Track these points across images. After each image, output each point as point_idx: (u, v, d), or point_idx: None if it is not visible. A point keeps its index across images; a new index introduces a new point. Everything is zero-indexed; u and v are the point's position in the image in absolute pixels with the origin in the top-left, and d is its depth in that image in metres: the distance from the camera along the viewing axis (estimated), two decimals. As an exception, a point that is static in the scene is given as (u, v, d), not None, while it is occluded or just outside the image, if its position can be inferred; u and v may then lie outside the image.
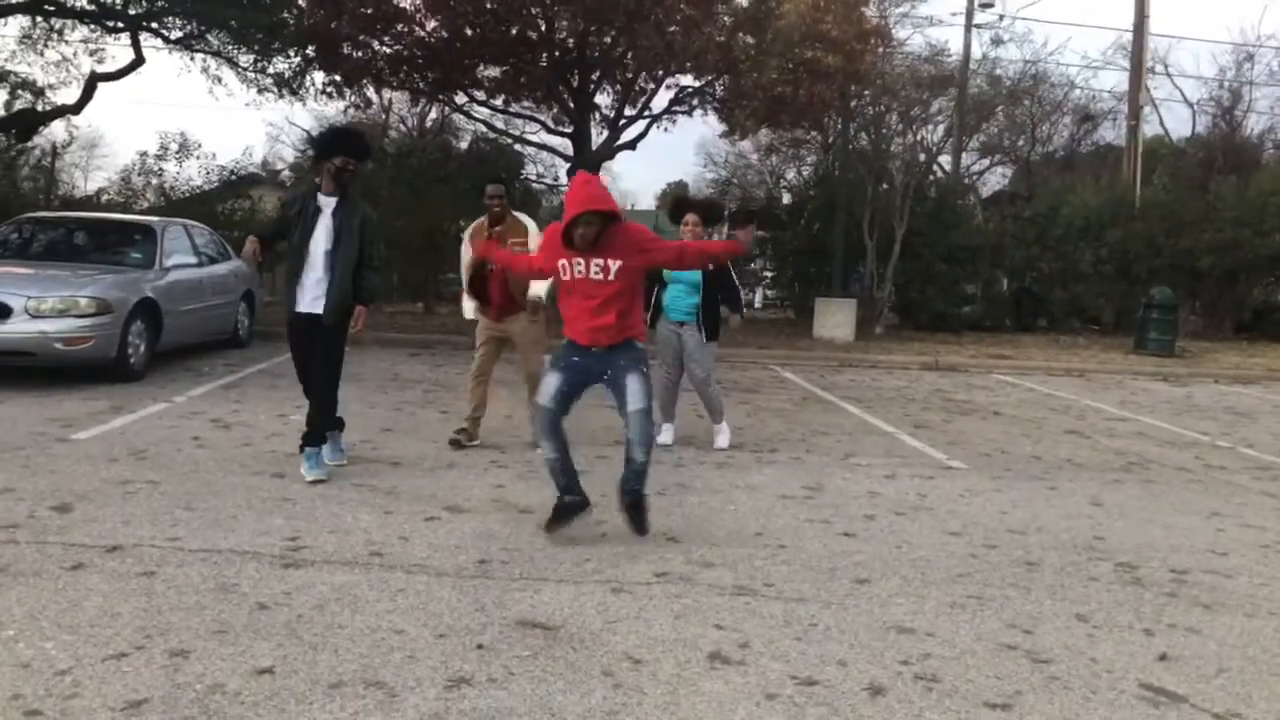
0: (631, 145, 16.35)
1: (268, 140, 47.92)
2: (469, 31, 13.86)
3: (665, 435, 6.62)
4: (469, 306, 6.37)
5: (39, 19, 14.45)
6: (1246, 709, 2.99)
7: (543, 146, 17.98)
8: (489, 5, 13.33)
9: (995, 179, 29.27)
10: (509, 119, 17.79)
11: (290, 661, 2.99)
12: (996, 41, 23.87)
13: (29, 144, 17.03)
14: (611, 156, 16.90)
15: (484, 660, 3.07)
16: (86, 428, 6.26)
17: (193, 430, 6.36)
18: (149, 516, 4.39)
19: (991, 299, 18.17)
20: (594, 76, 15.45)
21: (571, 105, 15.66)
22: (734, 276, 6.84)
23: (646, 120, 16.36)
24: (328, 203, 5.21)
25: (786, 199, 20.79)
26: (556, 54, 14.71)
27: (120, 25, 14.39)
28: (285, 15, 13.80)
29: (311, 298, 5.23)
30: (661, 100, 16.15)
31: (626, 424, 4.31)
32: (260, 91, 14.94)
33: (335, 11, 13.29)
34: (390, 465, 5.68)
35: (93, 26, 14.58)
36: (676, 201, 7.62)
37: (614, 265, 4.19)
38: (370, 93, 16.06)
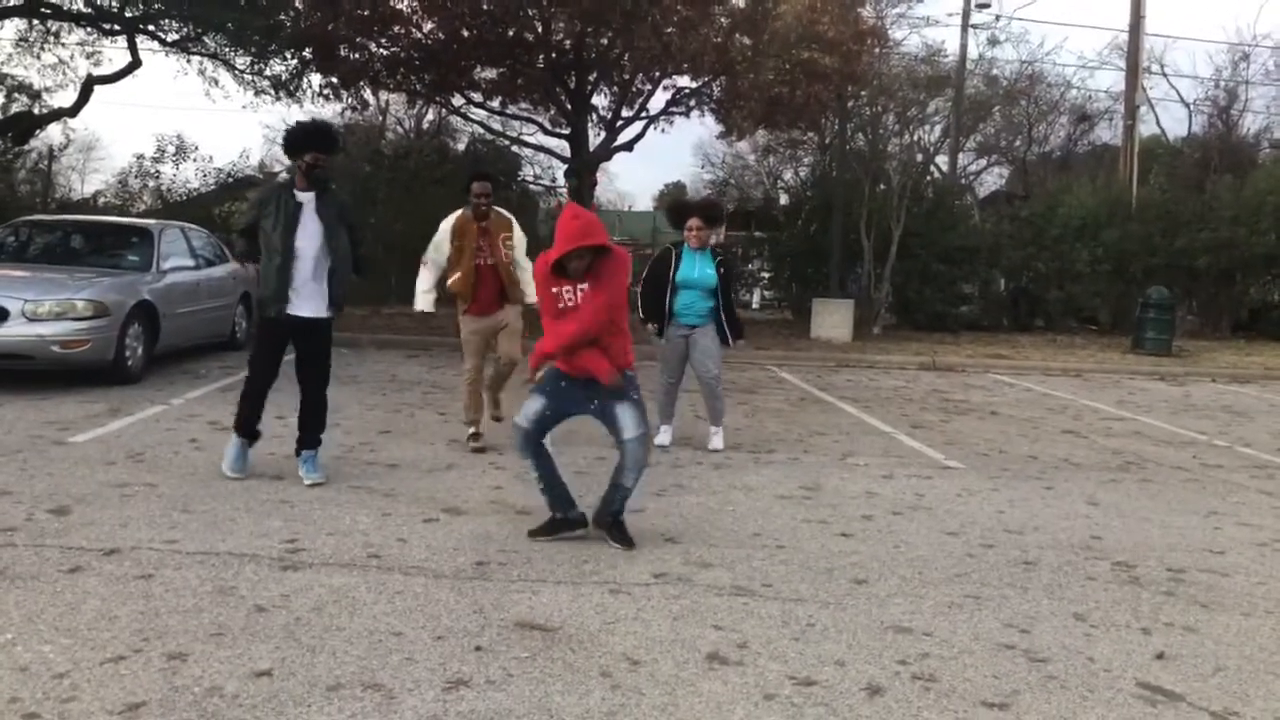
0: (629, 146, 16.35)
1: (265, 143, 47.84)
2: (466, 33, 13.85)
3: (664, 436, 6.61)
4: (428, 300, 6.39)
5: (35, 22, 14.45)
6: (1244, 707, 2.99)
7: (540, 148, 17.99)
8: (485, 7, 13.32)
9: (992, 179, 29.36)
10: (506, 120, 17.78)
11: (288, 664, 2.99)
12: (993, 42, 23.91)
13: (26, 147, 17.03)
14: (609, 158, 16.90)
15: (482, 662, 3.07)
16: (84, 430, 6.25)
17: (190, 433, 6.36)
18: (146, 519, 4.39)
19: (988, 299, 18.19)
20: (591, 78, 15.45)
21: (568, 107, 15.66)
22: (731, 293, 6.77)
23: (644, 121, 16.36)
24: (306, 199, 5.15)
25: (784, 200, 20.81)
26: (553, 55, 14.71)
27: (116, 28, 14.38)
28: (282, 18, 13.80)
29: (307, 300, 5.18)
30: (658, 101, 16.16)
31: (622, 452, 4.30)
32: (257, 94, 14.94)
33: (332, 14, 13.28)
34: (388, 467, 5.68)
35: (89, 29, 14.58)
36: (676, 206, 7.58)
37: (600, 298, 4.15)
38: (367, 95, 16.04)
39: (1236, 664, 3.32)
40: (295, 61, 14.56)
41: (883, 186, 16.96)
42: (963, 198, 21.34)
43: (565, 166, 16.52)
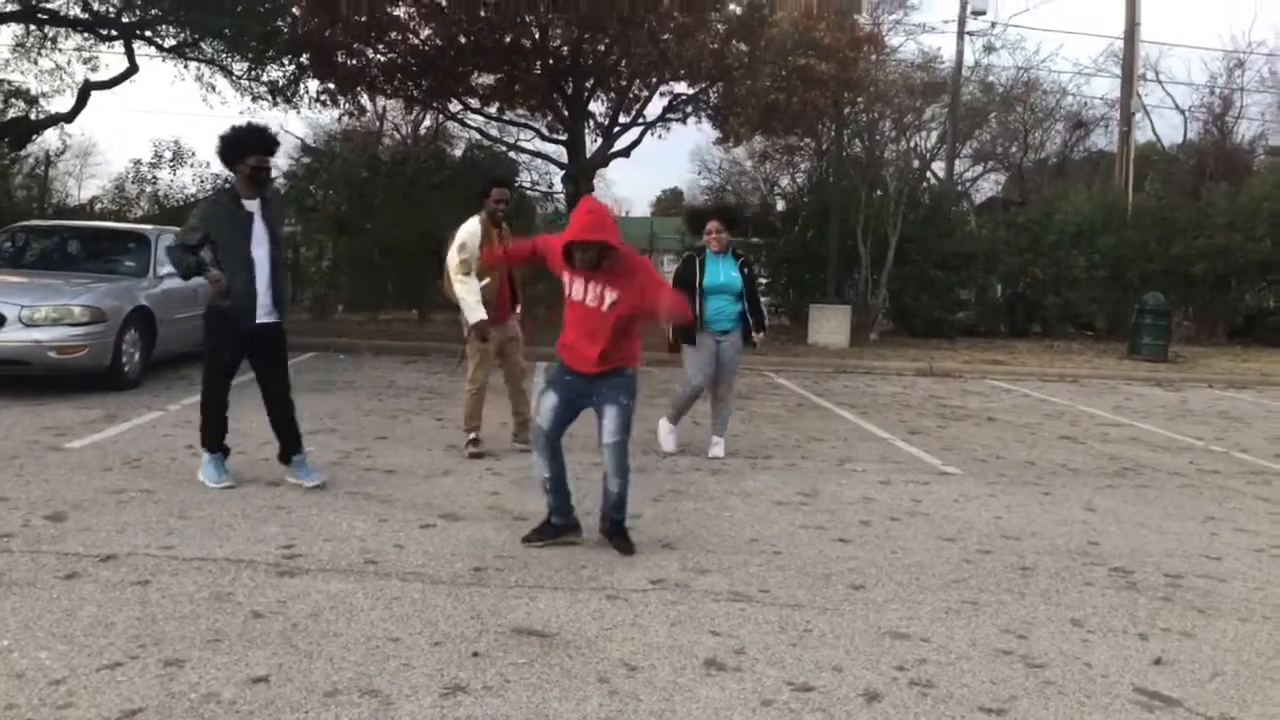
0: (626, 153, 16.37)
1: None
2: (463, 39, 13.88)
3: (669, 442, 6.60)
4: (481, 309, 6.05)
5: (32, 27, 14.43)
6: (1241, 713, 2.99)
7: (537, 154, 18.00)
8: (483, 13, 13.34)
9: (988, 185, 29.41)
10: (503, 126, 17.78)
11: (285, 670, 2.98)
12: (989, 48, 23.98)
13: (22, 152, 17.01)
14: (606, 164, 16.91)
15: (480, 668, 3.06)
16: (80, 436, 6.24)
17: (187, 439, 6.34)
18: (143, 525, 4.38)
19: (985, 305, 18.23)
20: (588, 84, 15.47)
21: (566, 113, 15.69)
22: (757, 294, 6.80)
23: (641, 127, 16.38)
24: (253, 206, 5.09)
25: (780, 206, 20.83)
26: (550, 62, 14.74)
27: (114, 34, 14.37)
28: (279, 23, 13.80)
29: (263, 306, 5.13)
30: (655, 107, 16.19)
31: (603, 455, 4.31)
32: (254, 99, 14.92)
33: (329, 20, 13.30)
34: (385, 473, 5.67)
35: (86, 35, 14.55)
36: (694, 212, 7.65)
37: (610, 296, 4.15)
38: (364, 100, 16.08)
39: (1234, 669, 3.32)
40: (292, 67, 14.56)
41: (879, 193, 17.00)
42: (959, 204, 21.40)
43: (562, 172, 16.54)
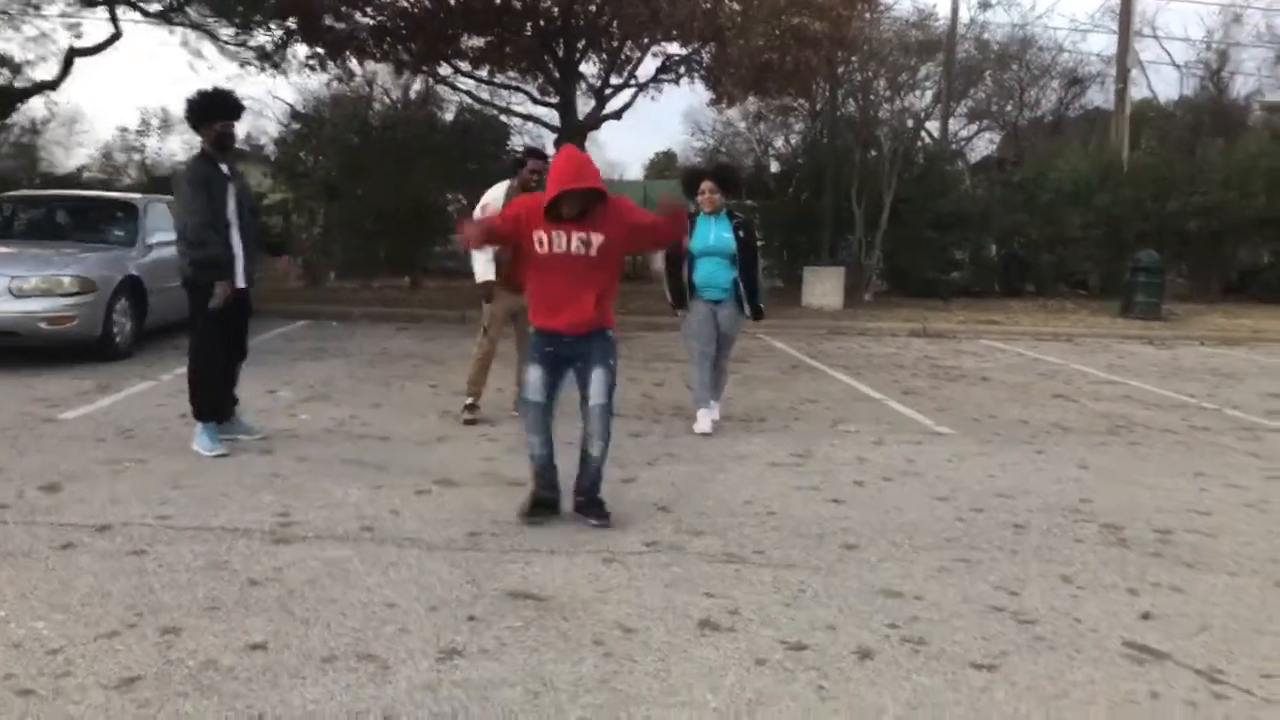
0: (618, 115, 16.22)
1: (250, 115, 47.37)
2: (452, 2, 13.68)
3: (705, 423, 6.15)
4: (491, 269, 6.03)
5: (14, -7, 14.21)
6: (1228, 665, 3.03)
7: (528, 117, 17.81)
8: (471, -26, 13.15)
9: (983, 144, 29.16)
10: (494, 90, 17.56)
11: (282, 636, 3.00)
12: (984, 5, 23.64)
13: (7, 121, 16.82)
14: (598, 126, 16.76)
15: (476, 632, 3.09)
16: (73, 407, 6.23)
17: (180, 408, 6.31)
18: (138, 495, 4.39)
19: (980, 265, 18.19)
20: (579, 45, 15.28)
21: (557, 75, 15.51)
22: (758, 263, 6.34)
23: (633, 89, 16.22)
24: (226, 169, 5.15)
25: (775, 167, 20.70)
26: (541, 23, 14.54)
27: (97, -1, 14.16)
28: (266, -13, 13.59)
29: (242, 270, 5.23)
30: (648, 69, 16.02)
31: (585, 417, 4.18)
32: (242, 65, 14.75)
33: (316, -18, 13.09)
34: (380, 440, 5.68)
35: (69, 1, 14.34)
36: (689, 172, 7.35)
37: (597, 240, 4.00)
38: (353, 65, 15.85)
39: (1222, 623, 3.36)
40: (280, 32, 14.35)
41: (874, 153, 16.87)
42: (954, 163, 21.28)
43: (554, 135, 16.38)
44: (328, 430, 5.85)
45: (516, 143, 18.60)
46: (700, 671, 2.88)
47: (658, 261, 4.22)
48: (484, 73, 16.18)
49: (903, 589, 3.57)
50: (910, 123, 19.25)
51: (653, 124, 44.09)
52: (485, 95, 17.78)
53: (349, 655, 2.89)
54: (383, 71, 19.33)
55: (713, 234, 6.13)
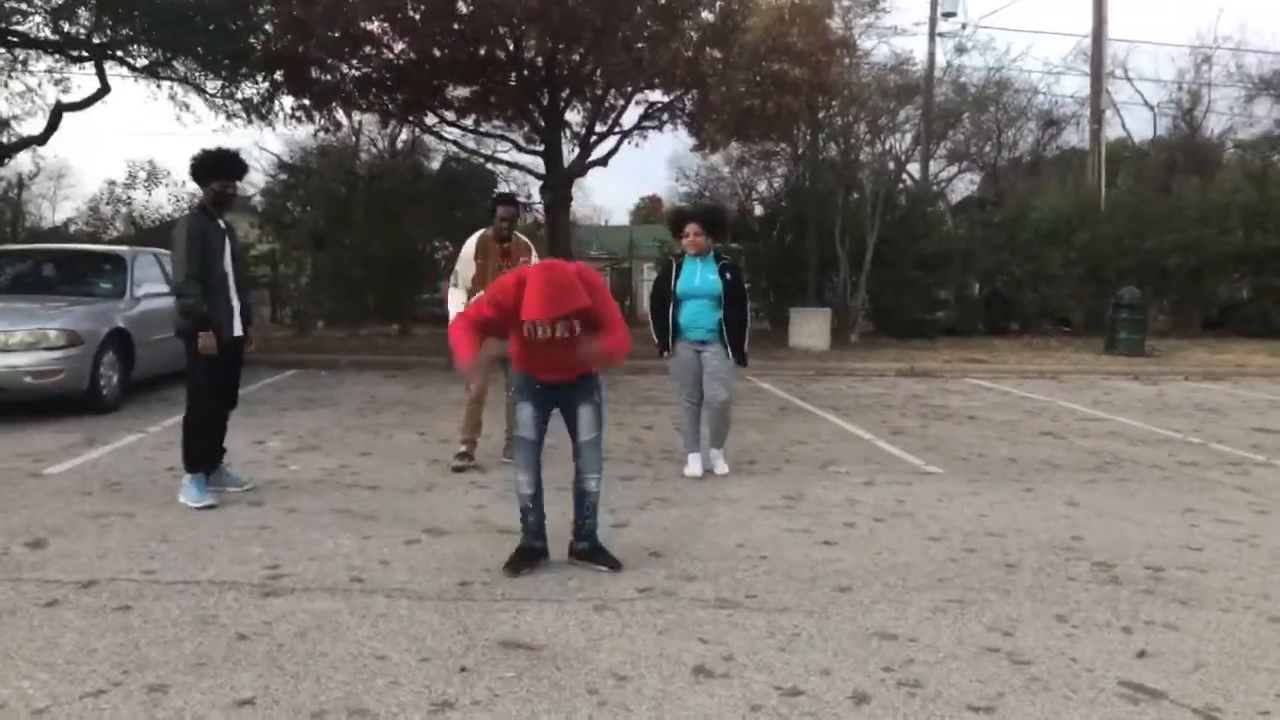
0: (603, 161, 16.41)
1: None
2: (437, 53, 13.87)
3: (694, 466, 6.13)
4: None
5: (2, 50, 14.32)
6: (1225, 703, 3.02)
7: (514, 165, 17.99)
8: (456, 26, 13.34)
9: (964, 185, 29.62)
10: (480, 138, 17.77)
11: (272, 692, 2.96)
12: (960, 50, 24.19)
13: (-6, 176, 16.88)
14: (583, 173, 16.95)
15: (468, 683, 3.05)
16: (59, 461, 6.18)
17: (168, 461, 6.29)
18: (125, 550, 4.34)
19: (964, 304, 18.35)
20: (564, 94, 15.50)
21: (542, 123, 15.70)
22: (746, 297, 6.22)
23: (617, 136, 16.43)
24: (222, 223, 5.36)
25: (759, 211, 20.92)
26: (525, 73, 14.76)
27: (85, 55, 14.29)
28: (252, 41, 13.75)
29: (232, 319, 5.35)
30: (632, 116, 16.24)
31: (577, 454, 4.21)
32: (229, 117, 14.88)
33: (302, 36, 13.26)
34: (369, 489, 5.64)
35: (57, 56, 14.47)
36: (675, 213, 7.32)
37: (576, 323, 4.02)
38: (340, 115, 16.03)
39: (1217, 660, 3.36)
40: (266, 84, 14.51)
41: (856, 195, 17.10)
42: (935, 204, 21.55)
43: (540, 183, 16.55)
44: (316, 480, 5.82)
45: (503, 190, 18.79)
46: (695, 719, 2.85)
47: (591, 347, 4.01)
48: (470, 122, 16.38)
49: (897, 631, 3.55)
50: (891, 165, 19.56)
51: (638, 170, 44.63)
52: (471, 144, 18.00)
53: (339, 710, 2.86)
54: (369, 121, 19.58)
55: (698, 276, 6.09)
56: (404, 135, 21.63)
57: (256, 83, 14.50)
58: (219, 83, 14.43)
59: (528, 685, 3.05)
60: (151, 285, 9.55)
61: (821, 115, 16.79)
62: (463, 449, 6.25)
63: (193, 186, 17.29)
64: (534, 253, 6.29)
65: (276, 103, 14.82)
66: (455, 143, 18.11)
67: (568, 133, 16.39)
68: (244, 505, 5.18)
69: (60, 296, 8.70)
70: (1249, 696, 3.07)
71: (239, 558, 4.26)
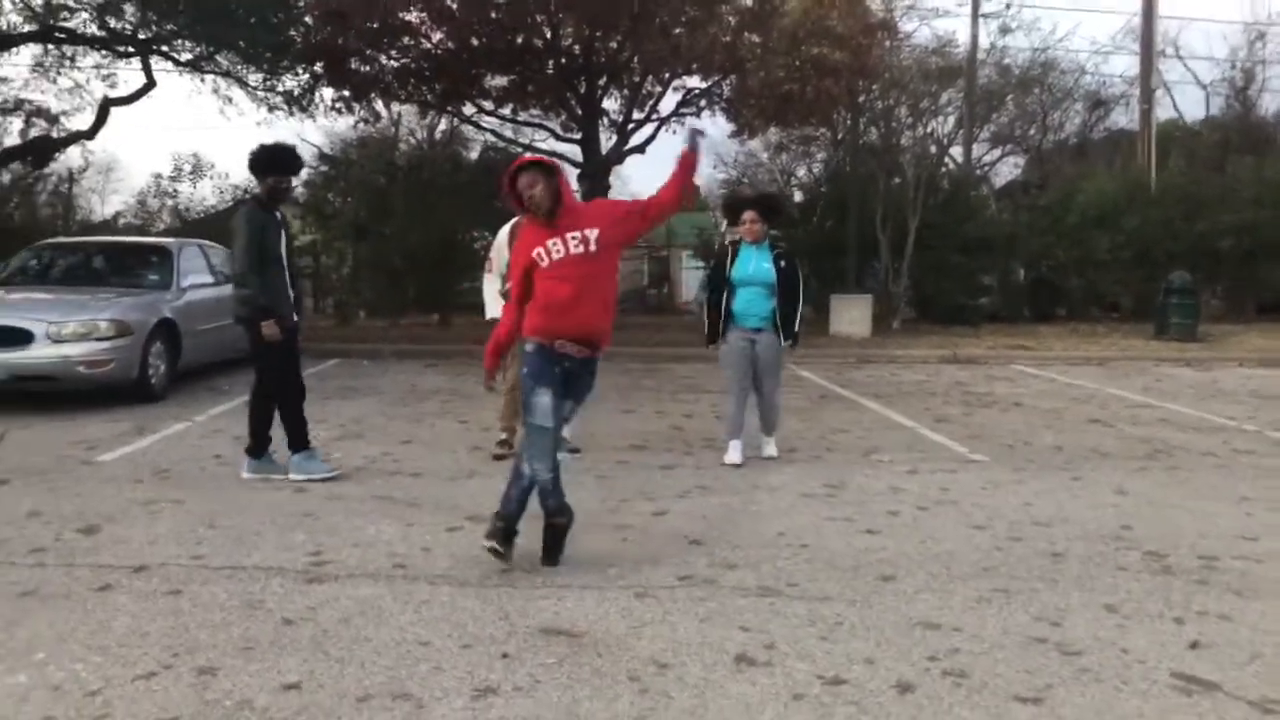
0: (641, 149, 16.36)
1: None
2: (475, 42, 13.91)
3: (734, 454, 6.09)
4: (499, 306, 6.21)
5: (50, 47, 14.62)
6: (1282, 696, 2.94)
7: (552, 154, 18.00)
8: (494, 15, 13.36)
9: (1007, 169, 29.03)
10: (517, 127, 17.80)
11: (317, 676, 3.00)
12: (1004, 30, 23.65)
13: (45, 171, 17.25)
14: (621, 161, 16.90)
15: (510, 669, 3.07)
16: (111, 449, 6.32)
17: (215, 448, 6.40)
18: (174, 536, 4.42)
19: (1008, 290, 18.04)
20: (601, 81, 15.46)
21: (579, 111, 15.69)
22: (800, 285, 6.17)
23: (655, 123, 16.36)
24: (278, 217, 5.56)
25: (798, 197, 20.74)
26: (563, 61, 14.74)
27: (131, 50, 14.54)
28: (292, 33, 13.90)
29: (290, 307, 5.53)
30: (669, 103, 16.15)
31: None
32: (270, 110, 15.07)
33: (341, 28, 13.36)
34: (411, 476, 5.69)
35: (104, 52, 14.73)
36: (732, 200, 7.03)
37: (592, 235, 3.92)
38: (379, 106, 16.14)
39: (1273, 651, 3.27)
40: (307, 76, 14.67)
41: (897, 180, 16.87)
42: (979, 188, 21.19)
43: (578, 171, 16.54)
44: (359, 468, 5.88)
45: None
46: (737, 708, 2.84)
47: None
48: (507, 111, 16.40)
49: (941, 620, 3.50)
50: (933, 149, 19.24)
51: (675, 157, 44.29)
52: (509, 133, 18.04)
53: (384, 694, 2.88)
54: (408, 112, 19.70)
55: (753, 264, 6.04)
56: (442, 125, 21.75)
57: (297, 75, 14.66)
58: (261, 75, 14.62)
59: (569, 672, 3.05)
60: (197, 276, 9.71)
61: (862, 99, 16.57)
62: (503, 437, 6.28)
63: (235, 179, 17.54)
64: None
65: (317, 95, 14.99)
66: (493, 132, 18.18)
67: (605, 120, 16.36)
68: (289, 492, 5.25)
69: (109, 288, 8.87)
70: (1308, 690, 2.99)
71: (284, 544, 4.32)
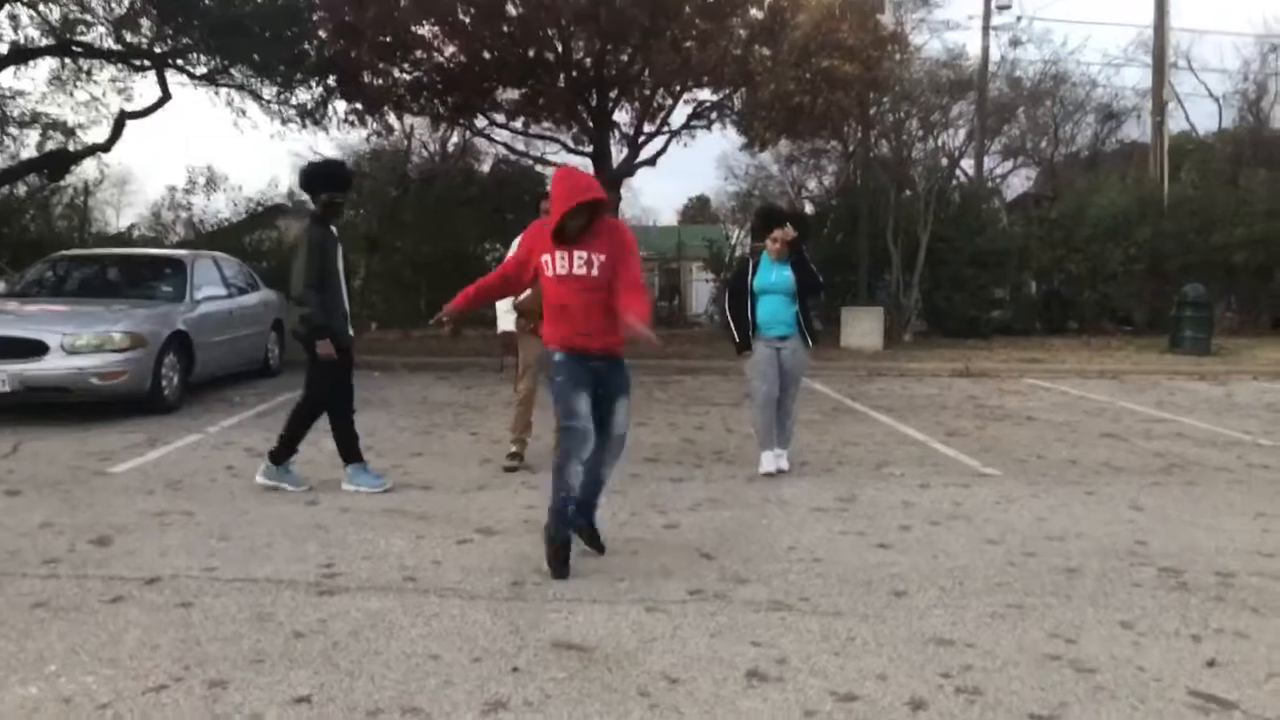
0: (651, 161, 16.42)
1: (293, 170, 48.50)
2: (487, 55, 14.00)
3: (770, 463, 6.14)
4: (510, 319, 6.26)
5: (67, 60, 14.75)
6: (1301, 715, 2.91)
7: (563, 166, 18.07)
8: (506, 29, 13.45)
9: (1019, 181, 28.99)
10: (529, 140, 17.90)
11: (327, 689, 2.99)
12: (1015, 43, 23.67)
13: (62, 183, 17.38)
14: (632, 173, 16.97)
15: (520, 683, 3.05)
16: (123, 460, 6.34)
17: (226, 460, 6.42)
18: (186, 547, 4.43)
19: (1020, 303, 17.98)
20: (612, 95, 15.53)
21: (591, 124, 15.75)
22: (813, 268, 6.22)
23: (666, 136, 16.43)
24: (335, 233, 5.62)
25: (809, 209, 20.74)
26: (574, 74, 14.81)
27: (147, 64, 14.66)
28: (306, 47, 14.01)
29: (345, 324, 5.61)
30: (680, 115, 16.23)
31: (607, 444, 4.28)
32: (284, 122, 15.15)
33: (355, 41, 13.47)
34: (421, 489, 5.69)
35: (120, 66, 14.85)
36: (767, 211, 7.03)
37: (598, 260, 4.09)
38: (391, 119, 16.24)
39: (1292, 670, 3.23)
40: (320, 89, 14.76)
41: (908, 192, 16.85)
42: (990, 201, 21.15)
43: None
44: (370, 480, 5.87)
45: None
46: (749, 724, 2.82)
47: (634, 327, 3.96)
48: (519, 124, 16.50)
49: (954, 636, 3.48)
50: (944, 161, 19.23)
51: (686, 169, 44.50)
52: (521, 146, 18.13)
53: (393, 708, 2.87)
54: (420, 125, 19.80)
55: (774, 273, 6.17)
56: (454, 138, 21.86)
57: (310, 88, 14.76)
58: (274, 89, 14.71)
59: (579, 686, 3.04)
60: (210, 288, 9.76)
61: (873, 112, 16.57)
62: (513, 449, 6.28)
63: (249, 190, 17.62)
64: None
65: (330, 107, 15.09)
66: (505, 145, 18.27)
67: (616, 133, 16.43)
68: (300, 505, 5.25)
69: (123, 300, 8.93)
70: (1328, 709, 2.95)
71: (295, 556, 4.32)
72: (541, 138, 17.37)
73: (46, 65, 14.99)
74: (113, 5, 13.51)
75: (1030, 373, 12.45)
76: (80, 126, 16.08)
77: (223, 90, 15.03)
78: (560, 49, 14.30)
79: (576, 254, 4.10)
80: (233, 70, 14.40)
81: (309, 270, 5.38)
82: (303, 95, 14.89)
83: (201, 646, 3.31)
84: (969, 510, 5.32)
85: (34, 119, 15.90)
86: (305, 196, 6.06)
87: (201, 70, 14.65)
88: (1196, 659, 3.31)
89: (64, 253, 11.15)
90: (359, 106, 14.85)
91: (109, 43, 13.98)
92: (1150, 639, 3.48)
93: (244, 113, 15.28)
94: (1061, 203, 19.88)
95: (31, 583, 3.92)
